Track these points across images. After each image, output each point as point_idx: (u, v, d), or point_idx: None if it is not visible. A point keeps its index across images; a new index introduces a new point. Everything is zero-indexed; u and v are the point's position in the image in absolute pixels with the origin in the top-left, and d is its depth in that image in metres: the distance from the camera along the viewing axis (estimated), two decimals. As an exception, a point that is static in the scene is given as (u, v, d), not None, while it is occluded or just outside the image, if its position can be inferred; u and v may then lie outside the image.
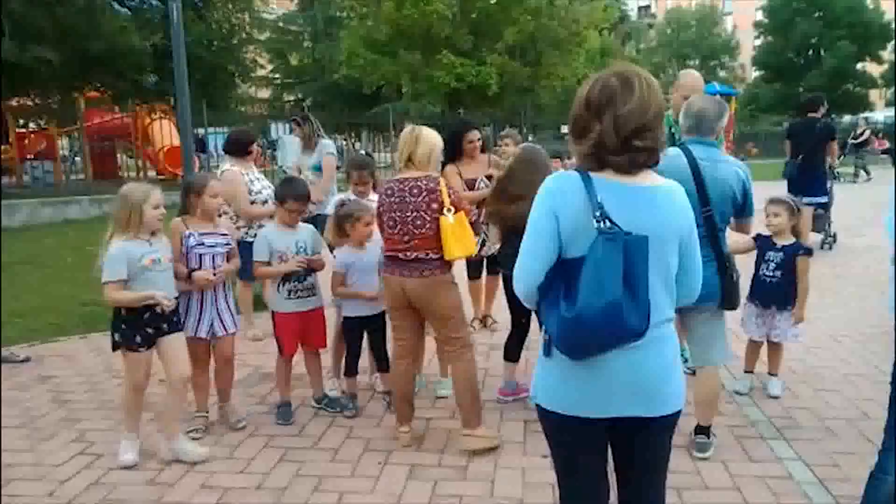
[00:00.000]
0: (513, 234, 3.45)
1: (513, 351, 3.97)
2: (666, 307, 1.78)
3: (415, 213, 3.23)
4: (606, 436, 1.87)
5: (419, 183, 3.25)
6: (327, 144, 5.67)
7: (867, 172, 18.90)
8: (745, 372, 4.14)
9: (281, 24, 34.54)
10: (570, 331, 1.66)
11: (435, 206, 3.22)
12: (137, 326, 3.17)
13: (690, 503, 2.87)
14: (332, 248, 3.98)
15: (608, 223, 1.63)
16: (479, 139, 4.82)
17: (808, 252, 3.95)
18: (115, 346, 3.23)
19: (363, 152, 18.06)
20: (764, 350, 4.13)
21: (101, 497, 3.00)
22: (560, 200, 1.73)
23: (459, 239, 3.27)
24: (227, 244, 3.54)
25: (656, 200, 1.74)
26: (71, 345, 5.26)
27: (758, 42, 39.91)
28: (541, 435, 3.45)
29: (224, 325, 3.59)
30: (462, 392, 3.38)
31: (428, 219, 3.22)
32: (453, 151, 4.74)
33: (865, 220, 10.70)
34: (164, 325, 3.23)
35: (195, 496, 2.98)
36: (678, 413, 1.82)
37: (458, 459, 3.29)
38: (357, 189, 4.13)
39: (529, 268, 1.77)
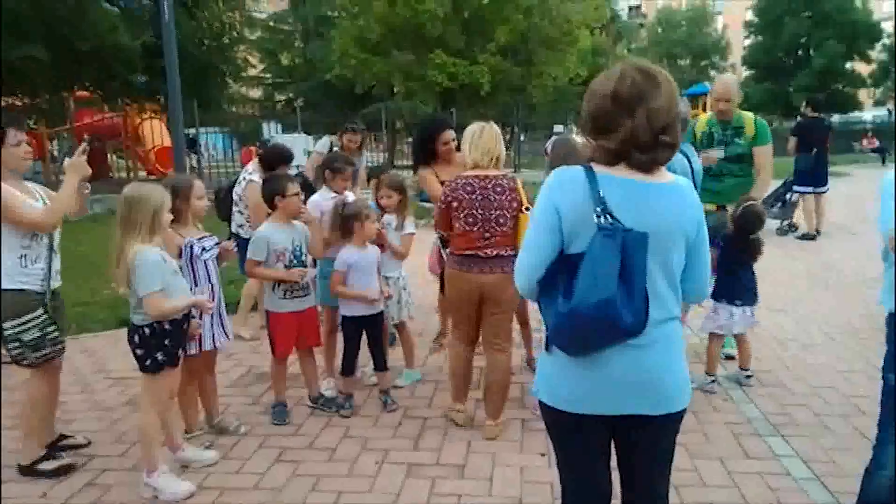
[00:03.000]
0: None
1: None
2: (671, 305, 1.76)
3: (499, 212, 3.30)
4: (609, 432, 1.85)
5: (501, 182, 3.33)
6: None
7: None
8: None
9: (272, 23, 34.34)
10: (564, 326, 1.65)
11: (515, 204, 3.33)
12: (179, 339, 3.00)
13: (689, 501, 2.87)
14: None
15: (608, 219, 1.61)
16: (454, 139, 4.25)
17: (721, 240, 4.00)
18: (157, 368, 2.90)
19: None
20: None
21: (95, 497, 2.97)
22: (562, 195, 1.70)
23: None
24: (217, 243, 3.47)
25: (664, 197, 1.71)
26: (62, 345, 5.20)
27: (748, 41, 40.09)
28: (538, 434, 3.48)
29: (226, 334, 3.50)
30: (501, 382, 3.50)
31: (509, 216, 3.32)
32: (427, 153, 4.30)
33: (859, 216, 10.76)
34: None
35: (190, 497, 2.95)
36: (683, 412, 1.81)
37: (456, 458, 3.28)
38: (341, 185, 4.11)
39: (529, 262, 1.76)
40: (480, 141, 3.35)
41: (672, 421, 1.81)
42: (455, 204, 3.31)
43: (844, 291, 6.42)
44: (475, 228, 3.29)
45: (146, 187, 2.92)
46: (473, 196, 3.29)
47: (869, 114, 38.78)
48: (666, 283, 1.73)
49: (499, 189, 3.31)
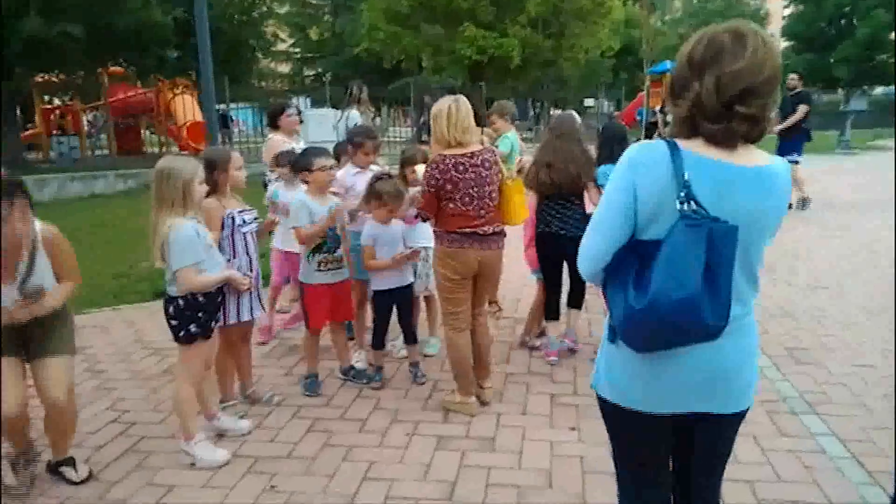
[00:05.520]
0: (547, 200, 3.92)
1: (553, 309, 4.14)
2: (749, 298, 1.61)
3: (490, 188, 3.30)
4: (671, 428, 1.71)
5: (487, 156, 3.31)
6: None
7: None
8: None
9: (301, -3, 34.31)
10: (637, 323, 1.48)
11: (498, 177, 3.37)
12: (213, 312, 3.03)
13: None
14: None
15: (693, 206, 1.43)
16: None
17: None
18: (190, 339, 2.94)
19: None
20: None
21: (135, 463, 3.06)
22: (642, 174, 1.51)
23: (521, 205, 3.47)
24: (256, 217, 3.51)
25: (758, 183, 1.51)
26: (103, 316, 5.35)
27: (788, 11, 38.71)
28: (567, 408, 3.49)
29: (262, 306, 3.55)
30: (489, 343, 3.69)
31: (497, 191, 3.35)
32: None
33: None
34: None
35: (227, 464, 3.03)
36: (748, 408, 1.70)
37: (486, 431, 3.30)
38: (366, 159, 4.10)
39: (596, 246, 1.57)
40: (458, 118, 3.22)
41: (739, 418, 1.69)
42: (449, 186, 3.22)
43: (885, 269, 6.24)
44: (471, 207, 3.26)
45: (177, 160, 2.93)
46: (467, 175, 3.22)
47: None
48: (746, 276, 1.57)
49: (487, 164, 3.28)
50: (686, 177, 1.45)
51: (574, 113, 4.30)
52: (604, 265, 1.58)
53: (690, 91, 1.48)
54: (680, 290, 1.40)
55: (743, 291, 1.57)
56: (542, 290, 4.30)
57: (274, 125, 5.14)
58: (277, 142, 4.93)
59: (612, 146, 4.15)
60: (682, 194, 1.44)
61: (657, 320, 1.44)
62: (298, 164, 3.76)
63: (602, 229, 1.57)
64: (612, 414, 1.72)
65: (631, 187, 1.51)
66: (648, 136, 11.85)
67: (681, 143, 1.51)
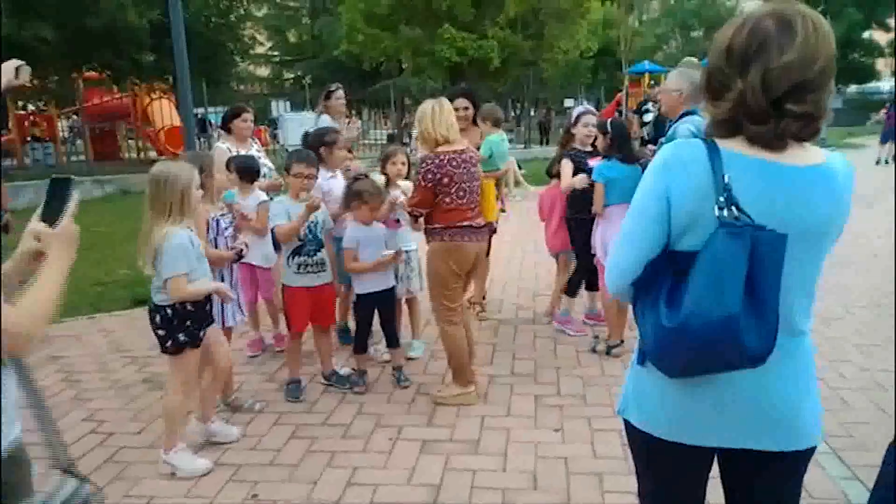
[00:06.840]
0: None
1: (573, 287, 4.61)
2: (803, 318, 1.41)
3: (477, 182, 3.52)
4: (711, 463, 1.53)
5: (472, 154, 3.52)
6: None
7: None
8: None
9: (279, -1, 34.15)
10: (669, 344, 1.31)
11: (480, 174, 3.61)
12: (202, 321, 2.98)
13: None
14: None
15: (735, 212, 1.26)
16: (465, 108, 4.46)
17: None
18: (178, 348, 2.90)
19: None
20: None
21: (114, 474, 3.00)
22: (676, 176, 1.33)
23: (492, 204, 3.81)
24: (232, 221, 3.48)
25: (814, 185, 1.32)
26: (79, 324, 5.25)
27: (763, 11, 39.36)
28: (552, 409, 3.49)
29: (242, 311, 3.53)
30: (472, 338, 3.80)
31: (479, 187, 3.56)
32: None
33: (880, 190, 10.64)
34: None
35: (209, 473, 2.98)
36: (813, 448, 1.46)
37: (470, 434, 3.29)
38: (343, 154, 4.14)
39: (626, 259, 1.41)
40: (442, 117, 3.38)
41: (800, 459, 1.47)
42: (446, 180, 3.34)
43: (864, 264, 6.35)
44: (464, 201, 3.41)
45: (174, 166, 2.85)
46: (460, 170, 3.37)
47: (887, 83, 38.02)
48: (803, 293, 1.39)
49: (473, 160, 3.49)
50: (726, 179, 1.28)
51: (586, 108, 4.79)
52: (633, 279, 1.41)
53: (732, 90, 1.30)
54: (718, 308, 1.24)
55: (797, 310, 1.38)
56: (562, 269, 4.85)
57: (227, 129, 4.73)
58: (223, 151, 4.49)
59: (618, 143, 4.09)
60: (722, 199, 1.27)
61: (691, 342, 1.27)
62: (284, 167, 3.77)
63: (631, 239, 1.40)
64: (641, 443, 1.53)
65: (664, 192, 1.35)
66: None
67: (720, 142, 1.33)
